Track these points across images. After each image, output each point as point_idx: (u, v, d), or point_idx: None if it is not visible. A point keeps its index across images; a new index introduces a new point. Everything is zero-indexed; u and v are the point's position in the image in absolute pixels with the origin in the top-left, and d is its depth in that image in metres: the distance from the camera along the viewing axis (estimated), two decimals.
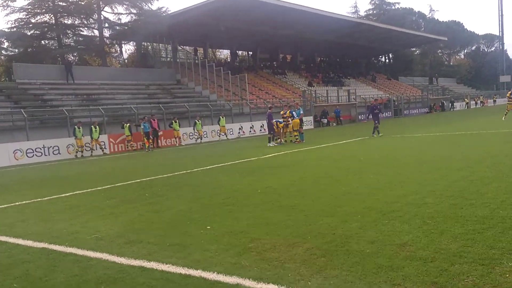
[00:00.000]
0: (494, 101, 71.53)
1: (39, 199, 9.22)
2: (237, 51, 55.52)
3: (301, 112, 22.30)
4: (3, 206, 8.77)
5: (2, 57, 42.88)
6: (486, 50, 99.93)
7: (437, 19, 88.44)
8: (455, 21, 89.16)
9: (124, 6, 41.63)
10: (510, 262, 3.81)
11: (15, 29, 39.25)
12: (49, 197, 9.39)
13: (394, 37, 61.03)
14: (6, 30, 38.33)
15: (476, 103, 66.60)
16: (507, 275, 3.55)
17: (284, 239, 5.04)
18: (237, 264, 4.35)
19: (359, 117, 44.65)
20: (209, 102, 35.85)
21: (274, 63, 56.98)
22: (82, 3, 39.66)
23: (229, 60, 55.92)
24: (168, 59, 46.41)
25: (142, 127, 24.39)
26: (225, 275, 4.04)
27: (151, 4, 41.04)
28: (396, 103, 51.59)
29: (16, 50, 40.72)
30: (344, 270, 3.94)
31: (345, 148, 16.50)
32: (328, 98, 44.89)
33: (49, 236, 6.00)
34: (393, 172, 9.21)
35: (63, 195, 9.61)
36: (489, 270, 3.67)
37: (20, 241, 5.89)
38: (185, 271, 4.25)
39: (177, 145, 27.30)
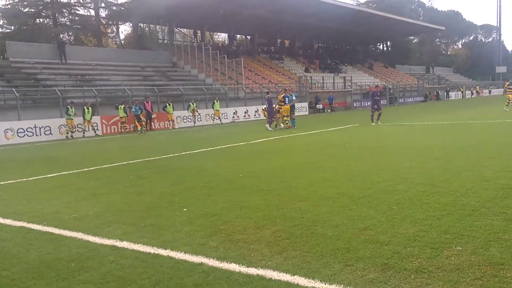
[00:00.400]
0: (490, 91, 71.78)
1: (25, 179, 9.36)
2: (235, 35, 55.23)
3: (294, 98, 22.33)
4: None
5: None
6: (483, 40, 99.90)
7: (436, 9, 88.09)
8: (454, 10, 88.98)
9: None
10: (458, 246, 4.00)
11: (9, 6, 39.04)
12: (35, 177, 9.53)
13: (392, 25, 60.86)
14: (1, 6, 38.14)
15: (472, 93, 66.82)
16: (452, 258, 3.73)
17: (254, 222, 5.21)
18: (205, 244, 4.51)
19: (354, 104, 44.80)
20: (205, 85, 35.84)
21: (272, 48, 56.86)
22: None
23: (226, 43, 55.66)
24: (165, 41, 46.24)
25: (133, 109, 24.44)
26: (192, 255, 4.20)
27: None
28: (391, 91, 51.65)
29: (12, 28, 40.55)
30: (304, 251, 4.12)
31: (334, 135, 16.66)
32: (324, 84, 44.87)
33: (29, 215, 6.13)
34: (374, 160, 9.37)
35: (49, 175, 9.75)
36: (437, 253, 3.85)
37: (0, 220, 6.04)
38: (154, 250, 4.41)
39: (170, 128, 27.40)
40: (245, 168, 9.21)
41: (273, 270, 3.72)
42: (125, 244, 4.66)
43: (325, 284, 3.40)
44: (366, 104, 46.26)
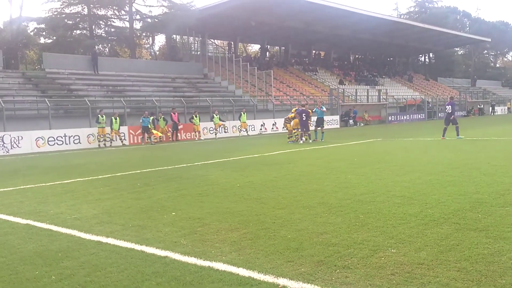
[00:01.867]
0: None
1: (42, 184, 10.42)
2: (267, 46, 56.37)
3: (324, 109, 22.90)
4: (9, 188, 9.99)
5: (35, 46, 45.31)
6: None
7: (483, 19, 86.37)
8: (503, 21, 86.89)
9: None
10: (394, 249, 4.56)
11: (49, 18, 41.54)
12: (52, 183, 10.58)
13: (434, 36, 60.43)
14: (43, 17, 40.73)
15: None
16: (382, 258, 4.30)
17: (229, 225, 5.90)
18: (177, 242, 5.24)
19: (389, 118, 44.69)
20: (234, 97, 36.90)
21: (306, 59, 57.56)
22: None
23: (259, 55, 56.79)
24: (198, 52, 47.80)
25: (141, 121, 25.51)
26: (161, 250, 4.94)
27: None
28: (430, 104, 51.16)
29: (50, 40, 43.09)
30: (258, 250, 4.78)
31: (350, 148, 17.12)
32: (357, 97, 45.09)
33: (36, 215, 7.06)
34: (371, 173, 9.87)
35: (65, 181, 10.79)
36: (371, 254, 4.43)
37: (10, 218, 6.98)
38: (131, 245, 5.17)
39: (196, 139, 28.44)
40: (246, 179, 9.92)
41: (223, 263, 4.40)
42: (109, 240, 5.46)
43: (261, 274, 4.05)
44: (402, 118, 46.15)
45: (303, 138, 21.15)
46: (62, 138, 23.59)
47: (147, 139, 25.66)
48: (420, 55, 78.36)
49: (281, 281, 3.88)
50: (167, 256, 4.73)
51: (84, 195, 8.77)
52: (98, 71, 34.76)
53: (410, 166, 10.83)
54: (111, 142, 25.23)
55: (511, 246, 4.51)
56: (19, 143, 22.10)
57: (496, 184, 7.87)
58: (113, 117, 25.22)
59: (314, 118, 22.32)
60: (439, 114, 51.38)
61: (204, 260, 4.53)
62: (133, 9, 42.39)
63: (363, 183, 8.65)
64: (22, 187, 10.13)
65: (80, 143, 24.20)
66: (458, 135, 19.11)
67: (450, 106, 20.06)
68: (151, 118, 26.32)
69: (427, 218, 5.73)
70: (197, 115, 28.64)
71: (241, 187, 8.86)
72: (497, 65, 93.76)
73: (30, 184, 10.44)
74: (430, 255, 4.35)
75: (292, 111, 22.50)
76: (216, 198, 7.81)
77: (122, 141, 25.56)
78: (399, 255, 4.39)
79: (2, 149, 21.35)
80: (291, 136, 22.06)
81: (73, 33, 43.64)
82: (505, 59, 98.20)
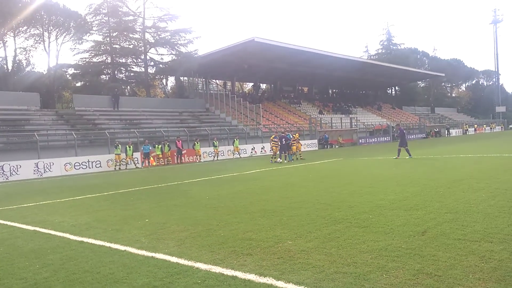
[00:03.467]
0: (491, 128, 70.65)
1: (57, 200, 11.02)
2: (260, 84, 57.44)
3: (290, 137, 23.52)
4: (31, 204, 10.60)
5: (70, 88, 46.47)
6: (485, 84, 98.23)
7: (439, 57, 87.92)
8: (456, 58, 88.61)
9: (166, 48, 44.63)
10: (291, 241, 5.14)
11: (80, 66, 42.83)
12: (65, 199, 11.19)
13: (398, 73, 61.51)
14: (75, 63, 42.06)
15: (474, 130, 66.03)
16: (279, 246, 4.92)
17: (183, 227, 6.49)
18: (138, 240, 5.83)
19: (360, 140, 45.26)
20: (230, 126, 37.66)
21: (292, 94, 58.57)
22: (130, 47, 42.76)
23: (253, 91, 57.82)
24: (203, 91, 48.88)
25: (142, 149, 25.96)
26: (123, 246, 5.53)
27: (187, 47, 43.74)
28: (394, 129, 51.73)
29: (80, 83, 44.30)
30: (194, 243, 5.37)
31: (313, 167, 17.66)
32: (332, 124, 45.80)
33: (43, 223, 7.66)
34: (313, 186, 10.45)
35: (76, 197, 11.40)
36: (272, 245, 5.03)
37: (23, 226, 7.58)
38: (103, 243, 5.77)
39: (197, 162, 29.05)
40: (216, 192, 10.52)
41: (164, 254, 5.00)
42: (89, 240, 6.05)
43: (185, 260, 4.64)
44: (371, 140, 46.75)
45: (279, 159, 21.77)
46: (86, 163, 24.23)
47: (147, 164, 26.22)
48: (388, 88, 79.32)
49: (197, 264, 4.47)
50: (125, 250, 5.33)
51: (86, 207, 9.37)
52: (118, 108, 35.62)
53: (348, 180, 11.41)
54: (126, 166, 25.84)
55: (376, 236, 5.09)
56: (50, 168, 22.74)
57: (402, 192, 8.46)
58: (127, 146, 25.89)
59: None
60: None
61: (150, 252, 5.13)
62: (148, 57, 43.69)
63: (302, 193, 9.24)
64: (41, 202, 10.74)
65: (101, 166, 24.81)
66: (398, 155, 19.35)
67: (400, 131, 20.10)
68: (159, 146, 27.00)
69: (331, 219, 6.31)
70: (198, 142, 29.33)
71: (209, 199, 9.44)
72: (453, 95, 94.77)
73: (48, 200, 11.04)
74: (314, 245, 4.94)
75: (271, 138, 23.19)
76: (185, 208, 8.41)
77: (135, 165, 26.18)
78: (291, 245, 4.98)
79: (36, 173, 22.01)
80: (274, 157, 22.61)
81: (99, 78, 44.79)
82: (460, 90, 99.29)
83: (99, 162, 24.79)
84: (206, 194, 10.27)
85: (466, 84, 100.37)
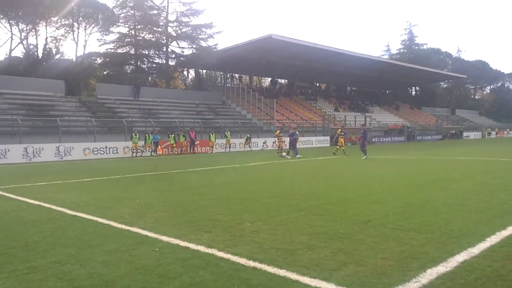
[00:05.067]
0: None
1: (69, 181, 11.96)
2: (277, 79, 57.82)
3: (297, 133, 23.93)
4: (44, 183, 11.57)
5: (95, 77, 47.99)
6: (511, 87, 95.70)
7: (463, 59, 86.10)
8: (481, 60, 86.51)
9: (187, 42, 45.61)
10: (249, 223, 5.78)
11: (105, 55, 44.26)
12: (76, 180, 12.13)
13: (419, 73, 60.82)
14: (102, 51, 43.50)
15: (496, 133, 64.80)
16: (236, 228, 5.53)
17: (166, 208, 7.20)
18: (122, 216, 6.56)
19: (373, 139, 45.22)
20: (243, 120, 38.37)
21: (309, 90, 58.76)
22: (153, 39, 43.89)
23: (271, 86, 58.25)
24: (220, 84, 49.75)
25: (152, 137, 26.71)
26: (107, 220, 6.28)
27: (207, 41, 44.58)
28: (409, 129, 51.41)
29: (104, 72, 45.78)
30: (168, 221, 6.06)
31: (313, 163, 18.19)
32: (346, 122, 45.90)
33: (49, 200, 8.51)
34: (300, 179, 11.06)
35: (85, 179, 12.32)
36: (232, 225, 5.67)
37: (30, 201, 8.45)
38: (92, 217, 6.53)
39: (209, 152, 29.91)
40: (211, 181, 11.25)
41: (139, 228, 5.71)
42: (81, 215, 6.84)
43: (154, 233, 5.34)
44: (384, 139, 46.65)
45: (284, 154, 22.35)
46: (103, 149, 25.39)
47: (153, 152, 27.01)
48: (408, 88, 78.42)
49: (162, 237, 5.18)
50: (108, 223, 6.09)
51: (90, 188, 10.24)
52: (138, 98, 36.79)
53: (336, 175, 11.96)
54: (141, 153, 26.87)
55: (325, 223, 5.69)
56: (70, 152, 23.97)
57: (375, 188, 8.98)
58: (146, 135, 26.93)
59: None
60: (417, 137, 51.63)
61: (128, 226, 5.87)
62: (169, 50, 44.79)
63: (286, 185, 9.87)
64: (53, 182, 11.70)
65: (117, 153, 25.93)
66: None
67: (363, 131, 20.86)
68: (172, 135, 27.95)
69: (296, 208, 6.91)
70: (213, 133, 30.13)
71: (201, 186, 10.17)
72: (476, 97, 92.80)
73: (59, 181, 12.00)
74: (267, 227, 5.58)
75: (276, 133, 23.81)
76: (175, 192, 9.16)
77: (151, 153, 27.18)
78: (248, 226, 5.63)
79: (57, 156, 23.28)
80: (281, 151, 23.13)
81: (123, 68, 46.17)
82: (484, 92, 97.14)
83: (115, 149, 25.92)
84: (201, 182, 11.01)
85: (491, 87, 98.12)
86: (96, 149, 25.09)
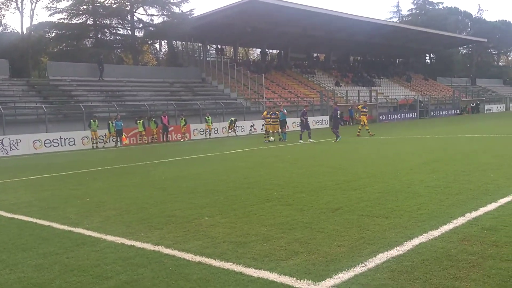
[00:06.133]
0: None
1: (11, 180, 12.25)
2: (267, 50, 57.81)
3: (285, 112, 24.33)
4: None
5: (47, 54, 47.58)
6: None
7: (484, 19, 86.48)
8: (505, 21, 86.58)
9: (157, 8, 45.37)
10: (207, 217, 6.18)
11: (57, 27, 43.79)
12: (20, 178, 12.43)
13: (432, 37, 60.89)
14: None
15: None
16: (192, 223, 5.92)
17: (118, 206, 7.55)
18: (66, 217, 6.90)
19: (380, 117, 45.83)
20: (227, 100, 38.61)
21: (305, 62, 58.93)
22: (114, 6, 43.57)
23: (260, 58, 58.33)
24: (201, 57, 49.63)
25: (114, 124, 26.97)
26: (48, 222, 6.62)
27: (180, 6, 44.44)
28: (422, 104, 52.01)
29: (56, 49, 45.52)
30: (118, 220, 6.42)
31: (300, 148, 18.65)
32: (348, 98, 46.34)
33: None
34: (280, 168, 11.53)
35: (32, 177, 12.62)
36: (189, 220, 6.06)
37: None
38: (31, 219, 6.87)
39: (182, 140, 30.21)
40: (178, 173, 11.68)
41: (82, 228, 6.08)
42: (20, 217, 7.15)
43: (96, 233, 5.72)
44: (393, 117, 47.27)
45: (272, 138, 22.77)
46: (58, 140, 25.58)
47: (118, 142, 27.35)
48: (421, 56, 78.84)
49: (107, 237, 5.56)
50: (49, 225, 6.45)
51: (35, 187, 10.54)
52: (103, 78, 36.73)
53: (321, 161, 12.41)
54: (104, 144, 27.11)
55: (291, 212, 6.10)
56: (17, 145, 24.13)
57: (360, 174, 9.45)
58: (109, 121, 27.13)
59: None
60: (432, 113, 52.30)
61: (71, 227, 6.22)
62: (135, 18, 44.57)
63: (262, 174, 10.32)
64: None
65: (75, 144, 26.13)
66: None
67: (337, 112, 21.32)
68: (141, 121, 28.19)
69: (265, 198, 7.32)
70: (183, 118, 30.17)
71: (165, 180, 10.56)
72: (500, 64, 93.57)
73: (2, 180, 12.29)
74: (227, 220, 5.98)
75: (264, 114, 24.08)
76: (134, 188, 9.51)
77: (115, 143, 27.43)
78: (206, 221, 6.02)
79: (2, 151, 23.43)
80: (267, 136, 23.47)
81: (80, 42, 45.80)
82: (509, 58, 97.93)
83: (72, 140, 26.12)
84: (166, 175, 11.38)
85: None
86: (49, 141, 25.28)
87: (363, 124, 23.50)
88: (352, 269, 3.91)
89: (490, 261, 3.95)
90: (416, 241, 4.58)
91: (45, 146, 25.02)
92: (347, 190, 7.65)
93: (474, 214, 5.60)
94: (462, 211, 5.72)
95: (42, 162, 17.78)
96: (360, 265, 3.98)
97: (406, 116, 49.00)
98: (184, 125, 30.24)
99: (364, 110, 23.70)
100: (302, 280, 3.72)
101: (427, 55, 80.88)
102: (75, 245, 5.27)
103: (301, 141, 21.12)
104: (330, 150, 16.62)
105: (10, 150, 23.67)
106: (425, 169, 9.72)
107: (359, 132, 23.51)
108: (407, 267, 3.89)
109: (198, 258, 4.45)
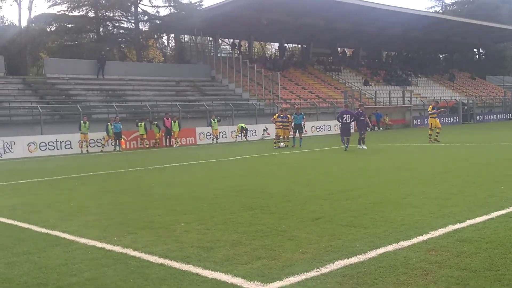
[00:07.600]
0: None
1: (0, 184, 13.29)
2: (285, 45, 58.33)
3: (303, 117, 24.95)
4: None
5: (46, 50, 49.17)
6: None
7: None
8: None
9: None
10: (184, 223, 6.92)
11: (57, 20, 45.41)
12: (8, 183, 13.45)
13: (481, 30, 60.55)
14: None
15: None
16: (169, 228, 6.68)
17: (100, 211, 8.35)
18: (48, 221, 7.70)
19: (414, 122, 46.02)
20: (237, 101, 39.39)
21: (330, 58, 59.28)
22: None
23: (277, 54, 58.80)
24: (209, 54, 50.58)
25: (112, 127, 28.02)
26: (28, 224, 7.46)
27: None
28: (465, 107, 51.87)
29: (55, 43, 47.13)
30: (96, 225, 7.20)
31: (308, 156, 19.37)
32: (376, 100, 46.67)
33: None
34: (274, 175, 12.28)
35: (20, 181, 13.63)
36: (166, 226, 6.80)
37: None
38: (11, 222, 7.73)
39: (174, 146, 31.10)
40: (169, 180, 12.57)
41: (59, 231, 6.87)
42: (2, 220, 8.06)
43: (71, 236, 6.51)
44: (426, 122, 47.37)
45: (282, 144, 23.46)
46: (53, 143, 26.78)
47: (117, 146, 28.42)
48: (468, 51, 78.40)
49: (80, 239, 6.35)
50: (28, 227, 7.30)
51: (22, 192, 11.50)
52: (103, 75, 38.01)
53: (327, 170, 13.08)
54: (102, 147, 28.18)
55: (272, 221, 6.80)
56: (11, 148, 25.40)
57: (358, 183, 10.09)
58: (108, 123, 28.19)
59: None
60: (477, 117, 52.07)
61: (48, 229, 7.04)
62: (140, 10, 45.95)
63: (256, 181, 11.07)
64: None
65: (72, 148, 27.30)
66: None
67: (348, 115, 20.44)
68: (142, 123, 29.22)
69: (249, 207, 8.02)
70: (176, 121, 30.54)
71: (154, 186, 11.40)
72: None
73: None
74: (202, 227, 6.69)
75: (274, 117, 24.72)
76: (121, 194, 10.35)
77: (114, 147, 28.46)
78: (181, 227, 6.74)
79: None
80: (278, 141, 24.08)
81: (80, 37, 47.30)
82: None
83: (69, 143, 27.30)
84: (156, 181, 12.22)
85: None
86: (44, 144, 26.48)
87: (435, 127, 22.31)
88: (305, 273, 4.54)
89: (446, 269, 4.49)
90: (381, 250, 5.16)
91: (40, 149, 26.21)
92: (337, 200, 8.30)
93: (458, 226, 6.10)
94: (446, 223, 6.24)
95: (33, 167, 18.91)
96: (315, 270, 4.61)
97: (446, 120, 48.97)
98: (176, 127, 30.49)
99: (434, 112, 22.47)
100: (252, 282, 4.40)
101: (475, 50, 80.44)
102: (49, 246, 6.08)
103: (364, 147, 20.54)
104: (342, 158, 17.23)
105: (4, 153, 24.95)
106: (433, 180, 10.26)
107: (436, 136, 22.08)
108: (359, 273, 4.50)
109: (161, 260, 5.18)
